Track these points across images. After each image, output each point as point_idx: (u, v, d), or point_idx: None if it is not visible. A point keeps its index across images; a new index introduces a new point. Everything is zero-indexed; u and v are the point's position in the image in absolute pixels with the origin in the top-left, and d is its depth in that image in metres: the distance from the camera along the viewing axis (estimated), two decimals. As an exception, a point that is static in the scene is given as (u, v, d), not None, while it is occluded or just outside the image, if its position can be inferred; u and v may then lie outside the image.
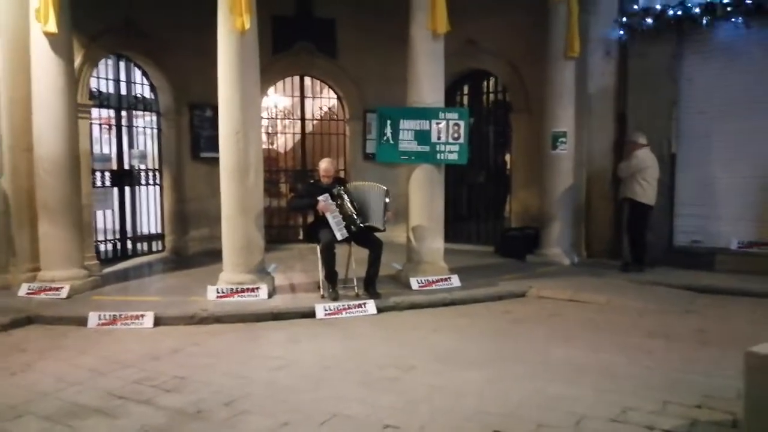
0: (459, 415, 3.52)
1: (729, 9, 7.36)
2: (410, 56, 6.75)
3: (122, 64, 8.51)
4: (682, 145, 8.16)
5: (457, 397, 3.81)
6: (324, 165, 6.40)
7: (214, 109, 8.94)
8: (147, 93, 8.93)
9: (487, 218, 9.93)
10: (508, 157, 9.93)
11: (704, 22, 7.59)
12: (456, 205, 10.10)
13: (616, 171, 7.88)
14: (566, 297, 6.47)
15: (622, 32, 8.30)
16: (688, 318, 5.76)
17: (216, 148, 9.14)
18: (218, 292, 6.13)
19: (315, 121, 10.78)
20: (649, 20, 7.96)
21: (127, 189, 8.63)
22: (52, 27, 6.09)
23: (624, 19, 8.22)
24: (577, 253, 8.37)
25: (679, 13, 7.72)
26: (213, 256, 8.11)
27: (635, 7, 8.12)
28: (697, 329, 5.33)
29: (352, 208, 6.11)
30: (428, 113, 6.60)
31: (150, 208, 8.98)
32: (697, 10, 7.58)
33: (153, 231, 9.08)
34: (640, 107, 8.23)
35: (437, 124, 6.60)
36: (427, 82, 6.66)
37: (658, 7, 7.89)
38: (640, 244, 7.67)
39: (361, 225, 6.12)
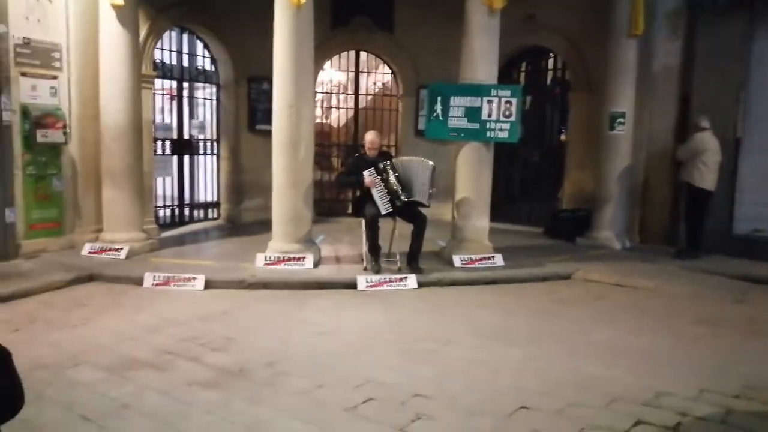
0: (492, 390, 3.58)
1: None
2: (464, 31, 6.68)
3: (185, 37, 8.78)
4: (748, 129, 7.77)
5: (493, 373, 3.86)
6: (369, 137, 6.46)
7: (271, 82, 9.20)
8: (208, 65, 9.19)
9: (540, 199, 9.78)
10: (564, 137, 9.71)
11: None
12: (508, 185, 10.00)
13: (675, 153, 7.60)
14: (613, 281, 6.36)
15: (689, 10, 7.91)
16: (739, 307, 5.57)
17: (271, 121, 9.50)
18: (266, 260, 6.35)
19: (369, 97, 10.83)
20: (719, -2, 7.56)
21: (186, 158, 8.96)
22: (119, 0, 6.36)
23: (692, -5, 7.84)
24: (630, 238, 8.16)
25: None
26: (265, 225, 8.34)
27: (705, -18, 7.73)
28: (747, 319, 5.16)
29: (396, 183, 6.16)
30: (480, 90, 6.53)
31: (207, 177, 9.31)
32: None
33: (209, 199, 9.42)
34: (706, 89, 7.86)
35: (489, 101, 6.52)
36: (481, 58, 6.58)
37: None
38: (696, 230, 7.41)
39: (405, 200, 6.17)
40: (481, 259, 6.58)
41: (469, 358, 4.13)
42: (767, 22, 7.50)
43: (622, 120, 7.82)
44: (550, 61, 9.89)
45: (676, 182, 7.82)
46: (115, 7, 6.46)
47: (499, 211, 7.79)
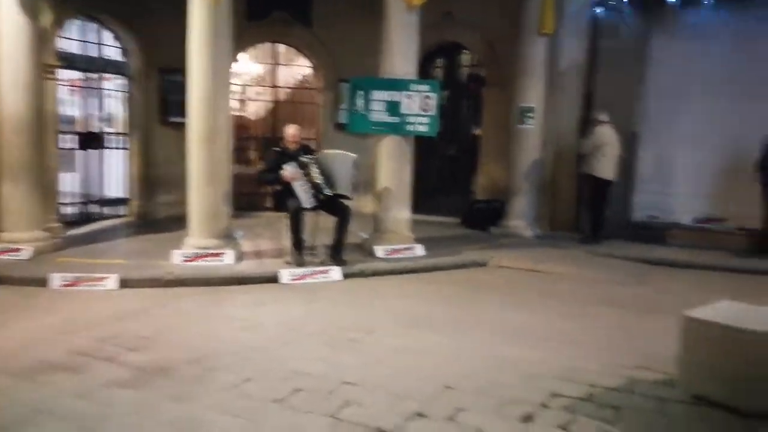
0: (416, 374, 3.69)
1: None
2: (384, 27, 6.77)
3: (92, 27, 8.32)
4: (645, 123, 8.39)
5: (416, 358, 3.99)
6: (291, 131, 6.41)
7: (184, 73, 8.92)
8: (117, 56, 8.76)
9: (456, 191, 10.09)
10: (478, 131, 10.06)
11: (673, 3, 7.74)
12: (426, 177, 10.23)
13: (579, 147, 8.08)
14: (526, 267, 6.69)
15: (594, 11, 8.41)
16: (638, 288, 6.04)
17: (185, 114, 9.19)
18: (184, 256, 6.17)
19: (288, 90, 10.72)
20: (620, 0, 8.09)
21: (93, 152, 8.52)
22: (17, -17, 5.95)
23: (596, -3, 8.35)
24: (540, 226, 8.60)
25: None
26: (179, 221, 8.07)
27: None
28: (647, 298, 5.61)
29: (320, 176, 6.16)
30: (399, 85, 6.66)
31: (116, 172, 8.89)
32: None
33: (119, 195, 9.00)
34: (607, 86, 8.41)
35: (408, 96, 6.67)
36: (400, 53, 6.70)
37: (631, -14, 8.03)
38: (598, 218, 7.93)
39: (329, 193, 6.19)
40: (402, 250, 6.73)
41: (393, 346, 4.23)
42: (662, 24, 8.12)
43: (531, 114, 8.21)
44: (465, 57, 10.20)
45: (580, 174, 8.32)
46: (15, -8, 6.03)
47: (417, 203, 7.95)
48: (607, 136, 7.74)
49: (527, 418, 3.08)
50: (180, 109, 9.20)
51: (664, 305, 5.33)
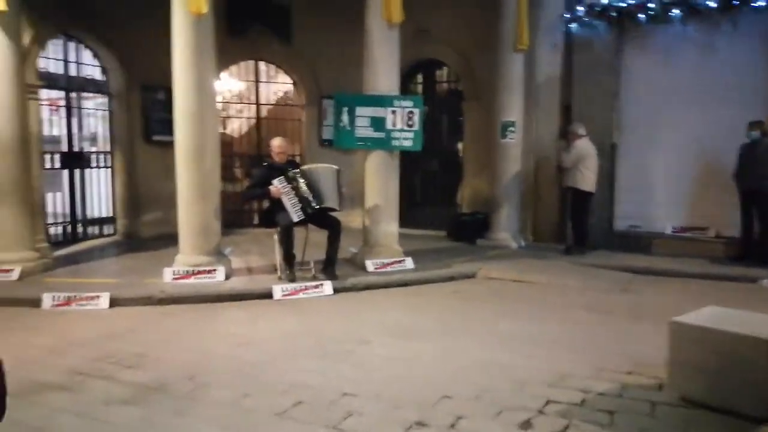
0: (414, 384, 3.76)
1: (667, 8, 7.79)
2: (366, 44, 6.90)
3: (72, 45, 8.33)
4: (623, 135, 8.62)
5: (410, 367, 4.05)
6: (277, 142, 6.47)
7: (167, 91, 8.89)
8: (98, 74, 8.76)
9: (440, 204, 10.21)
10: (460, 145, 10.22)
11: (644, 18, 8.01)
12: (410, 192, 10.34)
13: (559, 162, 8.25)
14: (512, 278, 6.81)
15: (568, 26, 8.65)
16: (624, 296, 6.18)
17: (169, 131, 9.13)
18: (175, 274, 6.18)
19: (270, 106, 10.80)
20: (593, 15, 8.34)
21: (77, 172, 8.48)
22: (2, 5, 5.95)
23: (570, 13, 8.57)
24: (524, 237, 8.75)
25: (622, 6, 8.11)
26: (166, 239, 8.10)
27: (581, 1, 8.47)
28: (632, 306, 5.74)
29: (307, 190, 6.21)
30: (383, 101, 6.78)
31: (101, 191, 8.85)
32: (636, 7, 7.99)
33: (104, 214, 8.96)
34: (584, 98, 8.63)
35: (392, 111, 6.78)
36: (383, 70, 6.83)
37: (603, 1, 8.26)
38: (581, 229, 8.10)
39: (317, 206, 6.24)
40: (392, 263, 6.80)
41: (388, 356, 4.29)
42: (635, 38, 8.38)
43: (512, 128, 8.39)
44: (442, 73, 10.37)
45: (562, 185, 8.49)
46: (-3, 12, 6.03)
47: (403, 217, 8.04)
48: (586, 149, 7.93)
49: (526, 425, 3.15)
50: (164, 127, 9.29)
51: (648, 312, 5.48)
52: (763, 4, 7.30)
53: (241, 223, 10.07)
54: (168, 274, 6.18)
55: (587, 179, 7.92)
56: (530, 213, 9.06)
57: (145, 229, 9.11)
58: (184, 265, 6.25)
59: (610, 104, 8.53)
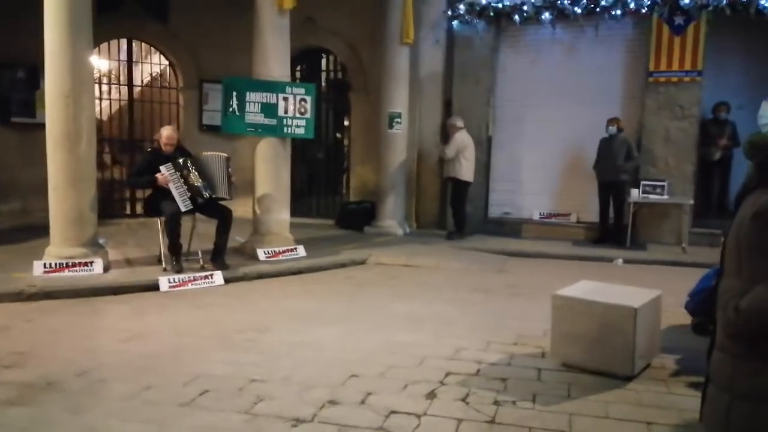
0: (319, 364, 3.84)
1: (537, 10, 8.46)
2: (256, 29, 6.77)
3: None
4: (497, 128, 9.24)
5: (315, 350, 4.13)
6: (166, 132, 6.20)
7: (29, 69, 8.20)
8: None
9: (327, 193, 10.30)
10: (346, 135, 10.35)
11: (518, 19, 8.63)
12: (297, 181, 10.28)
13: (440, 153, 8.66)
14: (401, 263, 7.09)
15: (450, 23, 9.08)
16: (502, 276, 6.69)
17: (30, 113, 8.44)
18: (46, 267, 5.70)
19: (143, 88, 10.20)
20: (473, 14, 8.83)
21: None
22: None
23: (451, 11, 9.00)
24: (409, 224, 9.11)
25: (499, 6, 8.67)
26: (28, 231, 7.45)
27: (462, 0, 8.92)
28: (509, 284, 6.24)
29: (199, 179, 6.02)
30: (275, 87, 6.71)
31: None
32: (512, 8, 8.59)
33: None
34: (464, 93, 9.13)
35: (284, 98, 6.74)
36: (274, 56, 6.75)
37: (483, 1, 8.76)
38: (461, 216, 8.60)
39: (208, 196, 6.07)
40: (284, 251, 6.79)
41: (290, 341, 4.33)
42: (509, 37, 9.01)
43: (399, 120, 8.67)
44: (325, 62, 10.42)
45: (442, 176, 8.93)
46: None
47: (291, 206, 8.01)
48: (465, 140, 8.42)
49: (431, 395, 3.36)
50: (23, 108, 8.51)
51: (523, 290, 6.00)
52: (619, 12, 8.15)
53: (113, 213, 9.47)
54: (38, 267, 5.69)
55: (466, 169, 8.41)
56: (413, 201, 9.43)
57: (4, 219, 8.28)
58: (56, 258, 5.78)
59: (486, 99, 9.10)
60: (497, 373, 3.74)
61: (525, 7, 8.49)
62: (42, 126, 5.99)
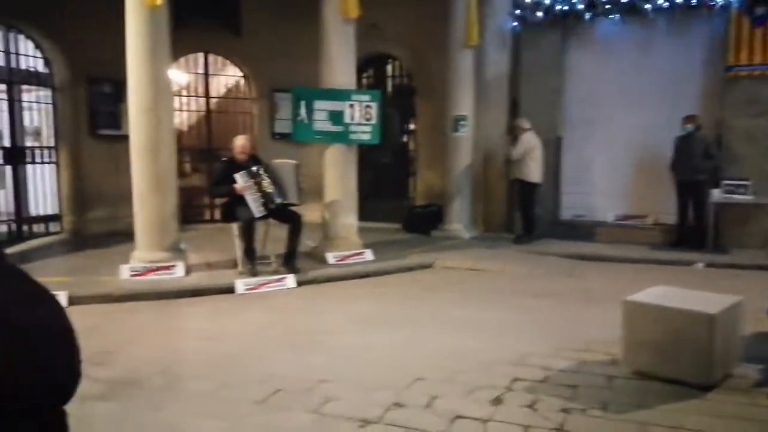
0: (386, 367, 3.91)
1: (607, 7, 8.22)
2: (323, 39, 6.95)
3: (12, 36, 7.99)
4: (567, 129, 9.03)
5: (382, 353, 4.20)
6: (240, 141, 6.47)
7: (114, 84, 8.74)
8: (41, 67, 8.44)
9: (394, 197, 10.39)
10: (412, 139, 10.41)
11: (586, 17, 8.41)
12: (364, 185, 10.43)
13: (508, 155, 8.56)
14: (468, 266, 7.06)
15: (515, 24, 8.97)
16: (572, 281, 6.53)
17: (116, 125, 8.99)
18: (132, 271, 6.08)
19: (220, 99, 10.67)
20: (539, 14, 8.69)
21: (20, 167, 8.15)
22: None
23: (517, 11, 8.89)
24: (476, 228, 9.05)
25: (566, 8, 8.49)
26: (115, 237, 7.93)
27: (527, 0, 8.80)
28: (580, 289, 6.09)
29: (271, 186, 6.25)
30: (341, 95, 6.87)
31: (46, 188, 8.54)
32: (581, 6, 8.39)
33: (49, 211, 8.65)
34: (531, 94, 8.98)
35: (350, 105, 6.89)
36: (340, 64, 6.91)
37: (547, 1, 8.61)
38: (529, 219, 8.45)
39: (279, 202, 6.29)
40: (352, 255, 6.92)
41: (356, 344, 4.42)
42: (578, 36, 8.80)
43: (464, 123, 8.65)
44: (391, 68, 10.52)
45: (509, 178, 8.82)
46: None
47: (358, 210, 8.17)
48: (533, 142, 8.28)
49: (497, 401, 3.36)
50: (111, 120, 9.07)
51: (594, 295, 5.83)
52: (695, 4, 7.80)
53: (193, 219, 9.93)
54: (125, 270, 6.08)
55: (533, 171, 8.27)
56: (480, 205, 9.36)
57: (92, 226, 8.85)
58: (141, 262, 6.16)
59: (555, 100, 8.92)
60: (566, 379, 3.68)
61: (594, 5, 8.26)
62: (126, 137, 6.40)
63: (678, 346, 3.51)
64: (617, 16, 8.20)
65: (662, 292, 3.91)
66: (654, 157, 8.33)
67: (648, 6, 7.97)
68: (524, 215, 8.51)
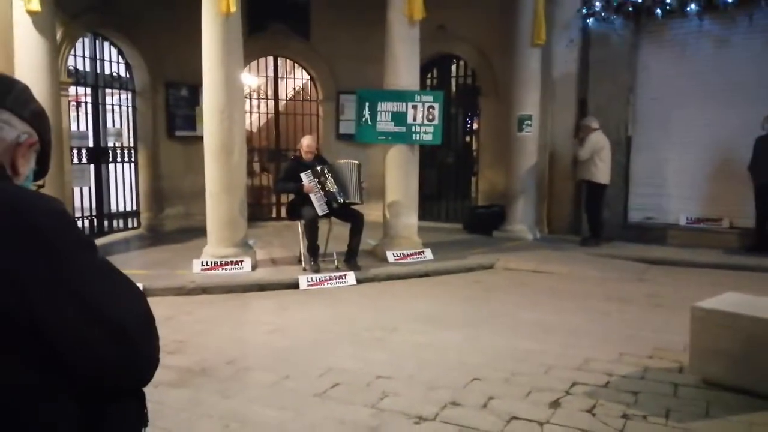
0: (443, 366, 3.94)
1: (682, 2, 7.89)
2: (387, 40, 7.05)
3: (98, 43, 8.53)
4: (637, 128, 8.74)
5: (440, 352, 4.24)
6: (306, 141, 6.68)
7: (190, 88, 9.19)
8: (122, 71, 8.97)
9: (456, 197, 10.38)
10: (475, 139, 10.36)
11: (659, 14, 8.11)
12: (426, 185, 10.49)
13: (575, 155, 8.38)
14: (531, 268, 6.97)
15: (585, 21, 8.76)
16: (641, 285, 6.33)
17: (191, 127, 9.43)
18: (203, 265, 6.38)
19: (288, 101, 10.98)
20: (609, 11, 8.44)
21: (102, 166, 8.70)
22: (36, 5, 6.15)
23: (586, 9, 8.68)
24: (540, 229, 8.90)
25: (639, 1, 8.21)
26: (189, 233, 8.34)
27: (597, -3, 8.59)
28: (649, 294, 5.89)
29: (334, 185, 6.41)
30: (404, 96, 6.94)
31: (125, 186, 9.07)
32: (653, 2, 8.09)
33: (128, 208, 9.18)
34: (600, 93, 8.75)
35: (413, 106, 6.95)
36: (404, 65, 6.98)
37: (618, -2, 8.37)
38: (596, 221, 8.24)
39: (342, 201, 6.44)
40: (412, 254, 6.99)
41: (416, 342, 4.48)
42: (650, 33, 8.50)
43: (529, 122, 8.52)
44: (455, 68, 10.49)
45: (576, 178, 8.63)
46: (31, 13, 6.23)
47: (420, 210, 8.23)
48: (601, 141, 8.06)
49: (555, 404, 3.33)
50: (186, 122, 9.53)
51: (664, 300, 5.64)
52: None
53: (261, 216, 10.29)
54: (197, 265, 6.38)
55: (601, 171, 8.05)
56: (545, 206, 9.21)
57: (167, 222, 9.34)
58: (212, 257, 6.45)
59: (625, 99, 8.65)
60: (628, 385, 3.60)
61: (668, 0, 7.95)
62: (201, 138, 6.74)
63: (749, 356, 3.36)
64: (693, 10, 7.85)
65: (735, 299, 3.75)
66: (730, 158, 7.94)
67: (728, 0, 7.59)
68: (591, 217, 8.30)
